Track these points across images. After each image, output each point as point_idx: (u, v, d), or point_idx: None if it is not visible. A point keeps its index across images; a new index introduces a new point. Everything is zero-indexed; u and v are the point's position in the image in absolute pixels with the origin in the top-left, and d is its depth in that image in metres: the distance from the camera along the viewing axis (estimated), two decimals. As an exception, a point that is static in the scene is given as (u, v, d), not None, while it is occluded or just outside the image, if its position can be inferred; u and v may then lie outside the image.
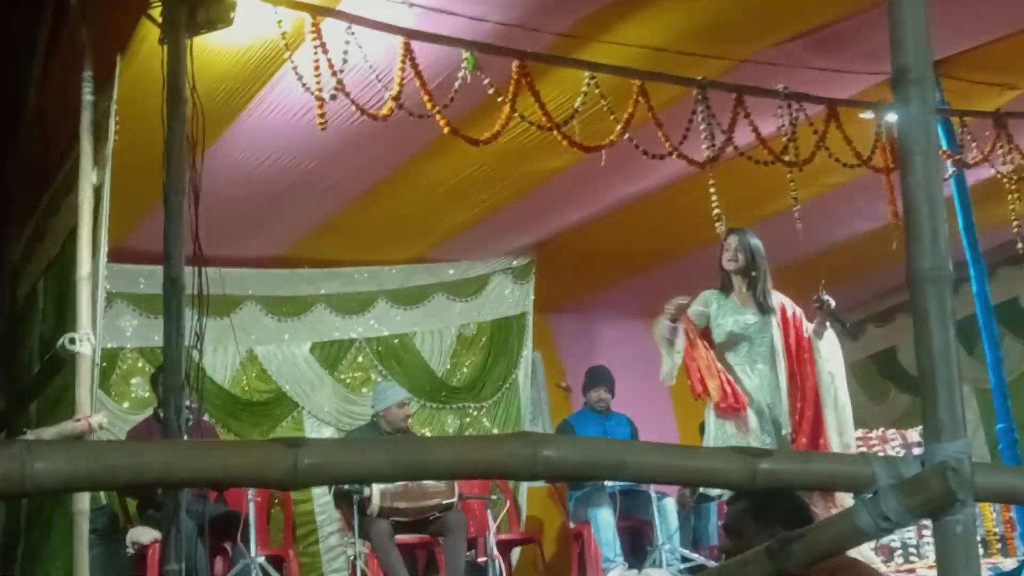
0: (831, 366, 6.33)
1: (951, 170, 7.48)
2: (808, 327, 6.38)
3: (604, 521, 7.79)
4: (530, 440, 1.99)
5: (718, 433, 6.28)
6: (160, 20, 5.08)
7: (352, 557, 7.10)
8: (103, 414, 5.77)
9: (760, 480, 2.11)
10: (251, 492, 6.75)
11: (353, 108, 5.92)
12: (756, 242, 6.47)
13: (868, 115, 7.27)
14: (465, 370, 9.43)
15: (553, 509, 9.10)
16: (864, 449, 7.98)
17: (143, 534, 6.61)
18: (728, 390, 6.20)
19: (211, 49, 5.72)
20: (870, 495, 2.08)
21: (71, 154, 6.05)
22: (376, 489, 6.98)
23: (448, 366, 9.37)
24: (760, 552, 2.25)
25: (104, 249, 5.79)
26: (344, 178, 7.48)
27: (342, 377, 9.03)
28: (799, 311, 6.48)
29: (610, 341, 10.58)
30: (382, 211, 8.05)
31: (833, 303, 6.24)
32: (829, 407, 6.25)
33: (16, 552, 6.60)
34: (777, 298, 6.45)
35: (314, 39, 5.63)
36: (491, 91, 6.07)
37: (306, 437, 1.96)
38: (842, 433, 6.23)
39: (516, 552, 8.71)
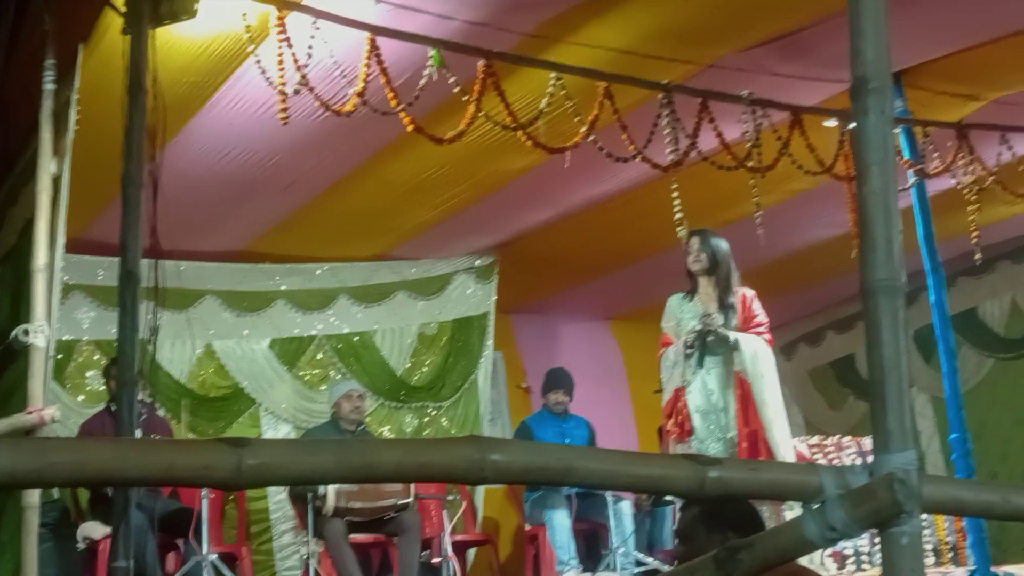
0: (750, 363, 6.32)
1: (912, 179, 7.52)
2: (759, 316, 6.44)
3: (560, 524, 7.78)
4: (479, 444, 1.98)
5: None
6: (123, 10, 5.02)
7: (305, 556, 7.06)
8: (56, 407, 5.70)
9: (709, 488, 2.11)
10: (204, 488, 6.70)
11: (317, 104, 5.88)
12: (718, 242, 6.50)
13: (832, 123, 7.30)
14: (425, 369, 9.40)
15: (510, 510, 9.10)
16: (819, 455, 8.02)
17: (94, 529, 6.54)
18: (678, 418, 6.31)
19: (174, 41, 5.67)
20: (817, 505, 2.09)
21: (31, 143, 5.98)
22: (331, 489, 6.94)
23: (408, 365, 9.33)
24: (708, 560, 2.25)
25: (62, 240, 5.73)
26: (307, 174, 7.43)
27: (301, 374, 8.97)
28: (754, 303, 6.49)
29: (571, 343, 10.60)
30: (345, 208, 8.01)
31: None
32: (759, 405, 6.27)
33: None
34: (739, 292, 6.49)
35: (279, 33, 5.59)
36: (456, 90, 6.05)
37: (251, 437, 1.93)
38: (773, 429, 6.24)
39: (471, 553, 8.70)
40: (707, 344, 6.32)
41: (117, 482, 2.63)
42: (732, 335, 6.30)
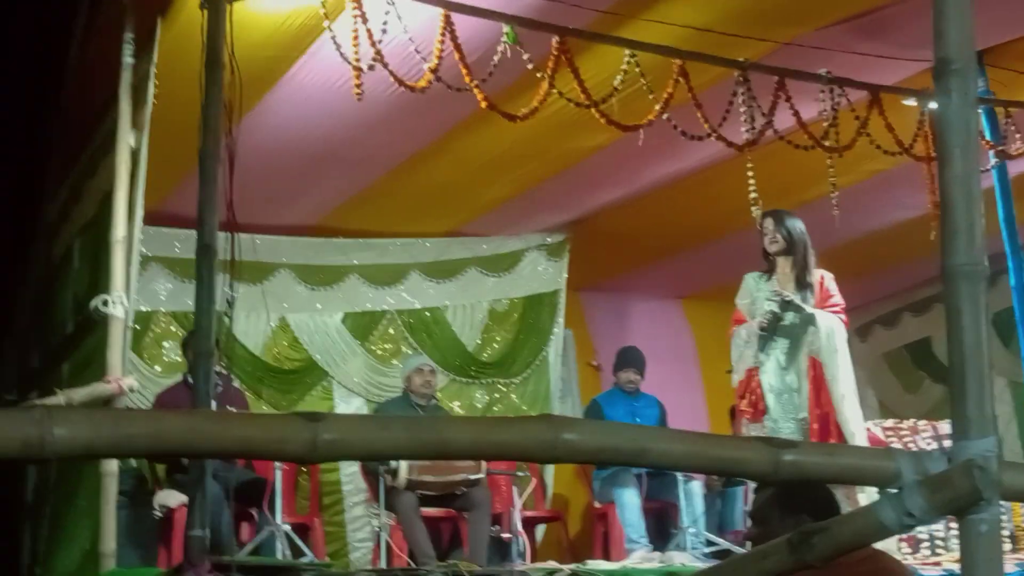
0: (825, 339, 6.26)
1: (993, 161, 7.38)
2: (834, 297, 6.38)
3: (629, 502, 7.77)
4: (552, 423, 1.97)
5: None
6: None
7: (377, 528, 7.12)
8: (134, 377, 5.81)
9: (783, 471, 2.09)
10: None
11: (391, 79, 5.91)
12: (793, 222, 6.44)
13: (911, 102, 7.18)
14: (496, 345, 9.41)
15: (579, 488, 9.10)
16: (894, 439, 7.92)
17: (170, 497, 6.64)
18: (752, 398, 6.27)
19: (251, 16, 5.72)
20: (895, 491, 2.06)
21: (109, 116, 6.08)
22: (404, 463, 6.98)
23: (479, 341, 9.35)
24: (781, 543, 2.23)
25: (140, 212, 5.83)
26: (380, 149, 7.46)
27: (373, 348, 9.03)
28: (830, 284, 6.44)
29: (642, 321, 10.55)
30: (417, 183, 8.03)
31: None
32: (830, 383, 6.22)
33: (44, 510, 6.66)
34: (816, 273, 6.43)
35: (354, 8, 5.62)
36: (530, 67, 6.05)
37: (326, 412, 1.95)
38: (843, 408, 6.19)
39: (541, 529, 8.71)
40: (780, 326, 6.27)
41: (193, 454, 2.67)
42: (808, 307, 6.25)
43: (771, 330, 6.27)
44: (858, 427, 6.21)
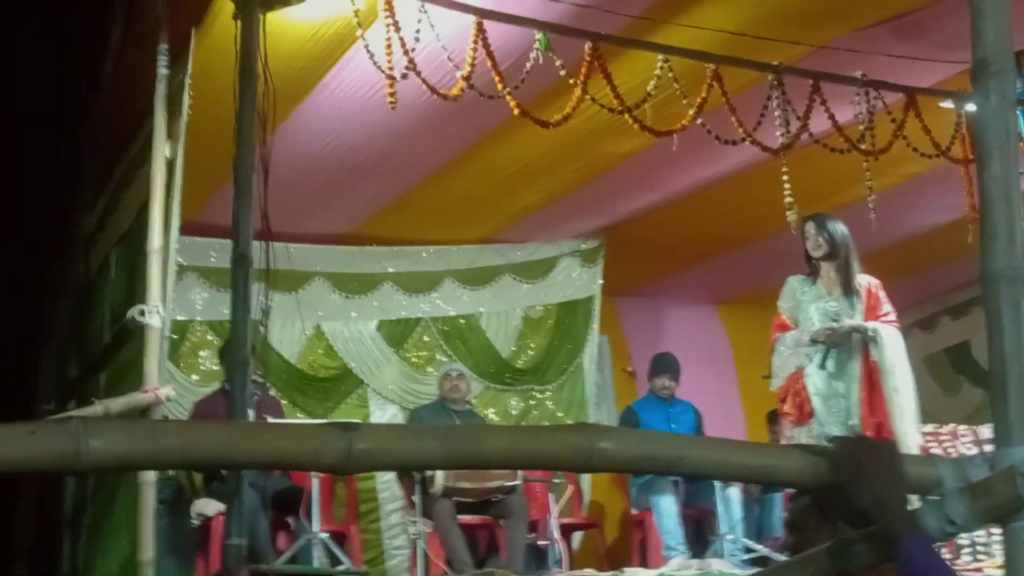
0: (889, 353, 6.23)
1: (1033, 162, 7.30)
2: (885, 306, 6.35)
3: (666, 509, 7.74)
4: (587, 432, 1.96)
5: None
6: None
7: (414, 536, 7.12)
8: (171, 387, 5.83)
9: (823, 480, 2.07)
10: (314, 468, 6.78)
11: (424, 88, 5.91)
12: (835, 225, 6.43)
13: (948, 104, 7.12)
14: (530, 352, 9.40)
15: (616, 494, 9.07)
16: (934, 444, 7.84)
17: (208, 506, 6.67)
18: (797, 401, 6.23)
19: (284, 25, 5.74)
20: (936, 498, 2.04)
21: (145, 126, 6.12)
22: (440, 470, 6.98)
23: (513, 348, 9.34)
24: (821, 552, 2.21)
25: (176, 222, 5.85)
26: (414, 157, 7.47)
27: (407, 356, 9.04)
28: (880, 292, 6.40)
29: (678, 327, 10.50)
30: (451, 191, 8.04)
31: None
32: (890, 393, 6.18)
33: (83, 520, 6.71)
34: (862, 279, 6.40)
35: (387, 17, 5.62)
36: (563, 73, 6.04)
37: (361, 422, 1.94)
38: (903, 420, 6.14)
39: (577, 536, 8.68)
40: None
41: (228, 465, 2.68)
42: (870, 325, 6.23)
43: (824, 353, 6.26)
44: (914, 440, 6.17)
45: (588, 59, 6.07)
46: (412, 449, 1.87)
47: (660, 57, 6.25)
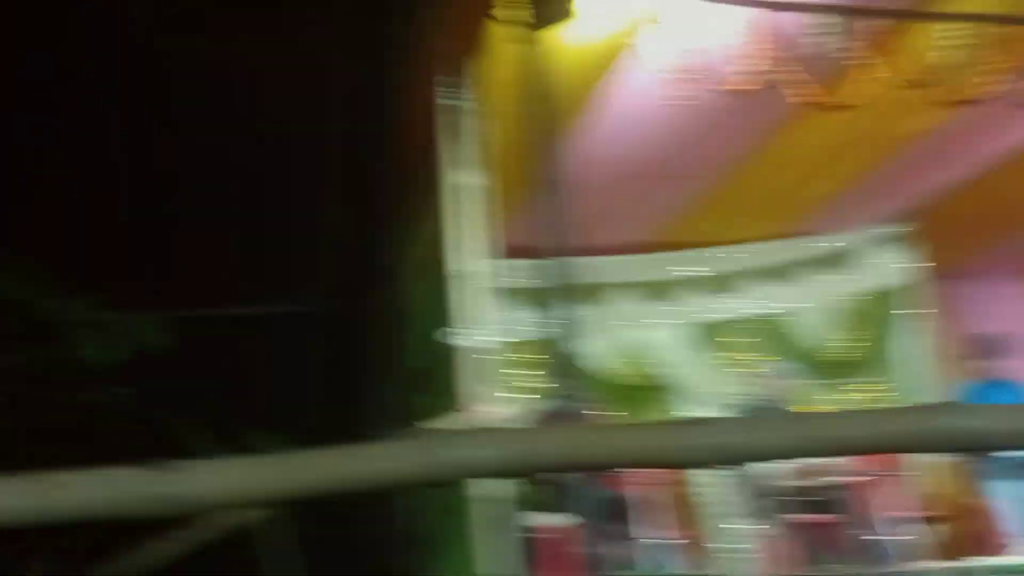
0: None
1: None
2: None
3: (1011, 495, 7.38)
4: (952, 411, 1.86)
5: None
6: (510, 19, 5.26)
7: (750, 538, 7.10)
8: (492, 406, 6.02)
9: None
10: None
11: (707, 86, 5.91)
12: None
13: None
14: (845, 345, 9.20)
15: (952, 484, 8.70)
16: None
17: (542, 518, 6.84)
18: None
19: (559, 41, 5.85)
20: None
21: (434, 158, 6.36)
22: (771, 468, 6.95)
23: (826, 341, 9.17)
24: None
25: (482, 246, 6.06)
26: (702, 158, 7.46)
27: (716, 358, 9.03)
28: None
29: (1003, 306, 9.99)
30: (744, 189, 7.97)
31: None
32: None
33: (416, 534, 6.97)
34: None
35: (662, 19, 5.65)
36: (851, 54, 5.89)
37: (708, 416, 1.96)
38: None
39: (915, 528, 8.39)
40: None
41: (582, 468, 2.72)
42: None
43: None
44: None
45: (876, 37, 5.90)
46: (755, 440, 1.84)
47: (952, 26, 6.00)
